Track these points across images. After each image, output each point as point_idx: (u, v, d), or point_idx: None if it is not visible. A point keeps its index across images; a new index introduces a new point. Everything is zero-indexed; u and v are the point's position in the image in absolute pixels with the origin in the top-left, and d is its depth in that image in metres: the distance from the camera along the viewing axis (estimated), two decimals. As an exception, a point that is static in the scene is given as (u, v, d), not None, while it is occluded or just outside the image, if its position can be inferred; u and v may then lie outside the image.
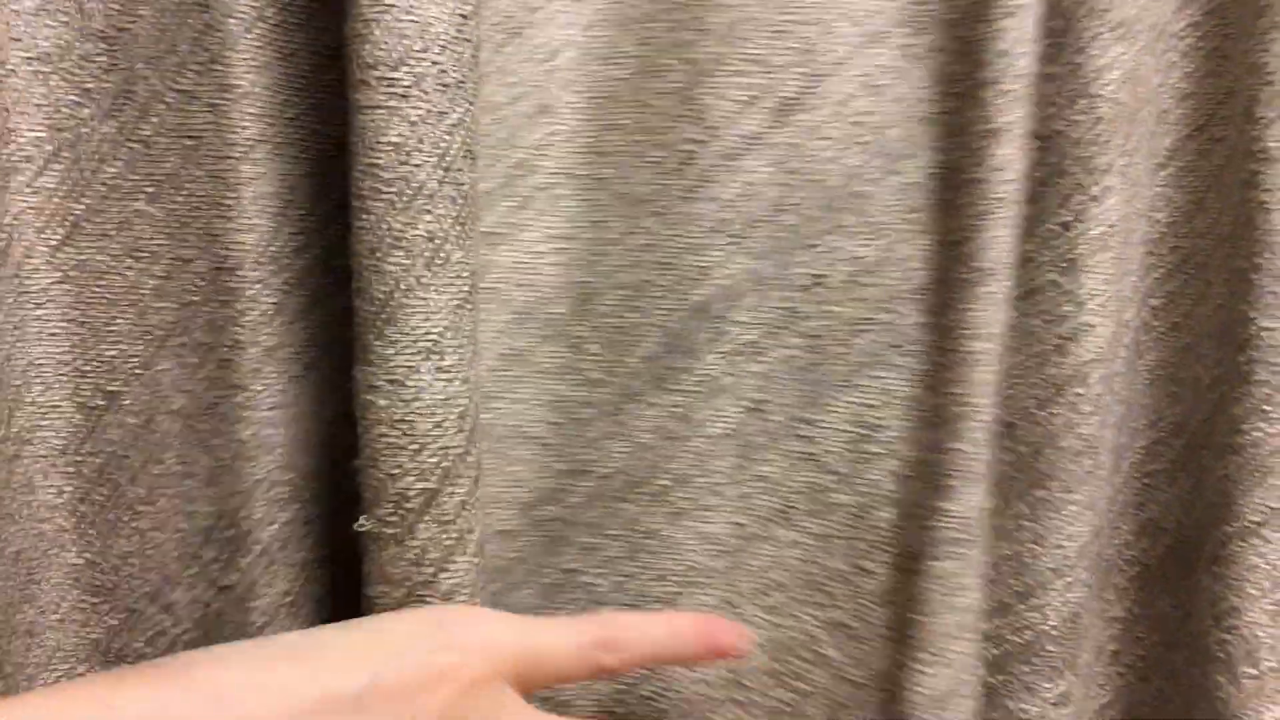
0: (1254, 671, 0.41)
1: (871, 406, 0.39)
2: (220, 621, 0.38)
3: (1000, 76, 0.38)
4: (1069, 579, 0.41)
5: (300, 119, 0.38)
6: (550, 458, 0.40)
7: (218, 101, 0.36)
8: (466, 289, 0.37)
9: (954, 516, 0.39)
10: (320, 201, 0.38)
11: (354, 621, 0.34)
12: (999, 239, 0.37)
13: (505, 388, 0.40)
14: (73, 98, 0.37)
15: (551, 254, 0.39)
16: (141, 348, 0.38)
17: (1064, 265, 0.41)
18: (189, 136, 0.37)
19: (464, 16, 0.36)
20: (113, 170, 0.38)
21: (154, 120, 0.37)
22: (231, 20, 0.36)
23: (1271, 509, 0.41)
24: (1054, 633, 0.41)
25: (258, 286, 0.38)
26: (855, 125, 0.38)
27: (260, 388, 0.38)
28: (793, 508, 0.40)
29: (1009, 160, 0.37)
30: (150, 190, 0.38)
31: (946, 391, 0.39)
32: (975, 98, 0.38)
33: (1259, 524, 0.41)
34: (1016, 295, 0.41)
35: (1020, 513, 0.41)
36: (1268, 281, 0.41)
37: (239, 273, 0.37)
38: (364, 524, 0.37)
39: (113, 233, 0.38)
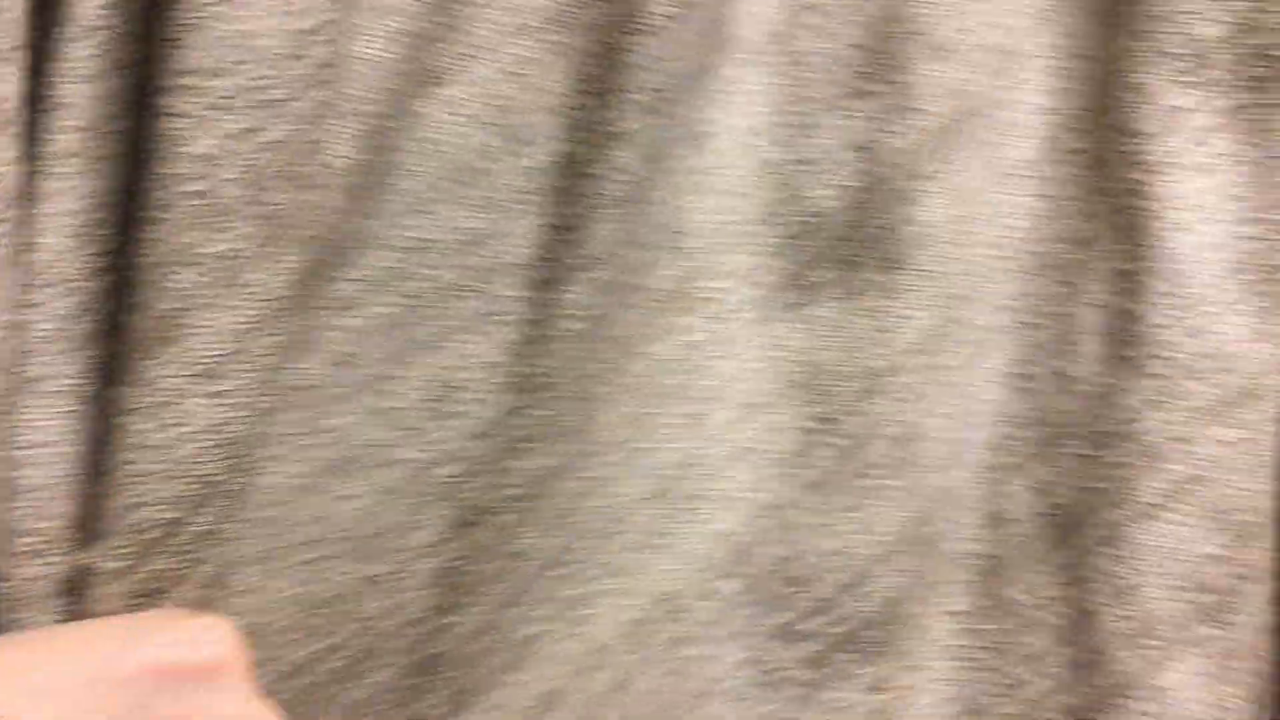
0: (1153, 643, 0.44)
1: (454, 369, 0.42)
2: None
3: (629, 86, 0.41)
4: (890, 565, 0.44)
5: (126, 133, 0.37)
6: None
7: (36, 116, 0.36)
8: (265, 312, 0.37)
9: (522, 474, 0.42)
10: (133, 221, 0.37)
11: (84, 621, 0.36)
12: (604, 232, 0.42)
13: None
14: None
15: None
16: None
17: (884, 264, 0.44)
18: (21, 160, 0.37)
19: (301, 31, 0.36)
20: (17, 213, 0.38)
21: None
22: (67, 28, 0.36)
23: (1166, 491, 0.45)
24: (876, 618, 0.44)
25: (36, 311, 0.36)
26: (492, 107, 0.42)
27: (19, 421, 0.36)
28: (355, 460, 0.41)
29: (626, 164, 0.41)
30: (10, 227, 0.38)
31: (533, 361, 0.42)
32: (606, 101, 0.42)
33: (1155, 506, 0.44)
34: (839, 295, 0.45)
35: (845, 505, 0.44)
36: (1157, 283, 0.45)
37: (21, 297, 0.37)
38: (86, 557, 0.36)
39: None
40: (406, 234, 0.42)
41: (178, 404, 0.36)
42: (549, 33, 0.42)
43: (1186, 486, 0.45)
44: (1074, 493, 0.46)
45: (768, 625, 0.44)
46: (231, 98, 0.35)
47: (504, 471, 0.42)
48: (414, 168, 0.42)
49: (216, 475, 0.36)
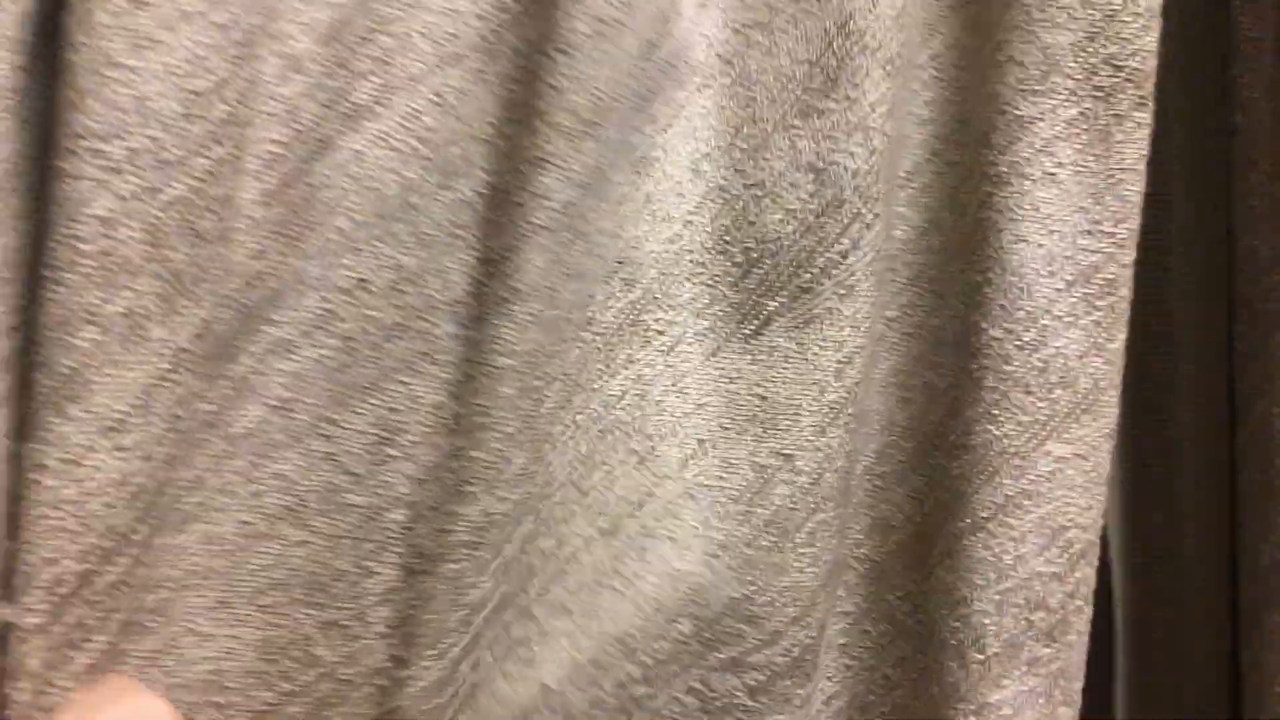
0: (980, 656, 0.46)
1: (396, 411, 0.42)
2: None
3: (550, 108, 0.41)
4: (828, 590, 0.46)
5: (30, 191, 0.37)
6: None
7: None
8: (166, 366, 0.37)
9: (468, 520, 0.42)
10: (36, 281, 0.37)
11: None
12: (533, 262, 0.42)
13: None
14: None
15: None
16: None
17: (843, 292, 0.44)
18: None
19: (196, 93, 0.37)
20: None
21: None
22: None
23: (998, 505, 0.46)
24: (814, 643, 0.46)
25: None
26: (420, 140, 0.42)
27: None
28: (305, 506, 0.42)
29: (551, 190, 0.41)
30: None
31: (471, 402, 0.42)
32: (530, 126, 0.42)
33: (987, 519, 0.46)
34: (794, 324, 0.45)
35: (801, 541, 0.45)
36: (997, 295, 0.46)
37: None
38: (6, 613, 0.37)
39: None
40: (341, 274, 0.41)
41: (86, 459, 0.36)
42: (474, 60, 0.41)
43: (1018, 501, 0.46)
44: (935, 503, 0.48)
45: (716, 659, 0.45)
46: (127, 160, 0.36)
47: (450, 516, 0.42)
48: (345, 206, 0.41)
49: (126, 527, 0.37)
